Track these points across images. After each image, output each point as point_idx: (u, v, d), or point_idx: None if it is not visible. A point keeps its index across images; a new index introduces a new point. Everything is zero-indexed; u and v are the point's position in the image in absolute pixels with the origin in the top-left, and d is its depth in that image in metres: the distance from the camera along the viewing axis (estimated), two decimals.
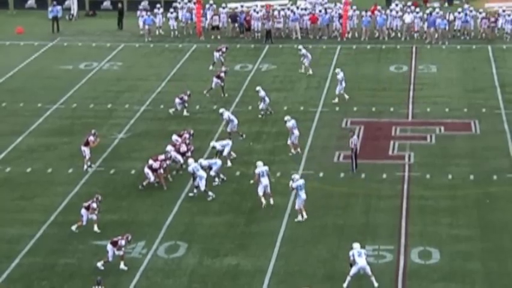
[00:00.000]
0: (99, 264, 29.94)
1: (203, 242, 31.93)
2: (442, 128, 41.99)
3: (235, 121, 40.48)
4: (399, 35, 57.15)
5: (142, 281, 29.53)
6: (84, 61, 53.79)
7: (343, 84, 45.31)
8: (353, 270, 28.71)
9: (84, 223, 32.42)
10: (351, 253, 28.99)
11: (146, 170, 35.98)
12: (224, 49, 51.36)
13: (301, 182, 33.48)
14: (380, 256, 30.79)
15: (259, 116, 43.36)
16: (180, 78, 50.31)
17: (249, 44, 56.80)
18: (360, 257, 28.93)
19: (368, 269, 28.74)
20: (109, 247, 29.97)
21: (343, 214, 34.07)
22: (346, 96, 45.35)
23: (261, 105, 43.32)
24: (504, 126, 42.22)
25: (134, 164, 38.16)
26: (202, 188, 35.09)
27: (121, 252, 29.87)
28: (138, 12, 59.77)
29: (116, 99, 46.63)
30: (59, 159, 39.19)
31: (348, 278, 28.65)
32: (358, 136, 39.75)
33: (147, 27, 58.02)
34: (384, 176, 37.19)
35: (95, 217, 32.51)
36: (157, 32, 58.70)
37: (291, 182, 33.54)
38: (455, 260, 30.56)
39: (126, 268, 29.90)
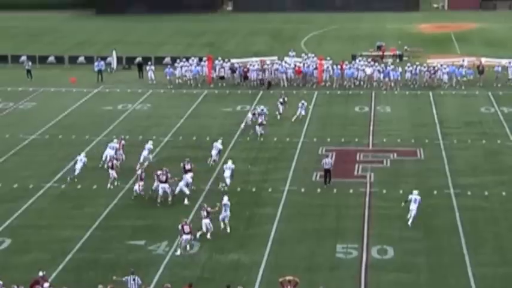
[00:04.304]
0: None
1: (212, 242, 31.87)
2: (395, 154, 41.98)
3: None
4: (362, 83, 57.24)
5: (166, 272, 29.52)
6: (122, 103, 53.81)
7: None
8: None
9: (204, 229, 32.16)
10: (410, 197, 32.92)
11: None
12: (285, 98, 50.32)
13: (226, 199, 32.91)
14: (348, 253, 30.77)
15: None
16: (195, 116, 50.36)
17: (247, 90, 56.86)
18: (414, 203, 32.80)
19: (414, 213, 32.53)
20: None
21: (320, 220, 34.03)
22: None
23: None
24: (442, 153, 42.24)
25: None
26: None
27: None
28: (148, 67, 59.60)
29: (145, 132, 46.62)
30: (102, 178, 39.04)
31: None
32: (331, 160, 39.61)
33: (168, 77, 58.10)
34: (351, 191, 37.15)
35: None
36: (177, 81, 58.67)
37: (221, 202, 32.97)
38: (405, 255, 30.58)
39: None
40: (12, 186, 38.66)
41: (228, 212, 32.86)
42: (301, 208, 35.27)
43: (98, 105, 53.48)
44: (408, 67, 57.29)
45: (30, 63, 62.50)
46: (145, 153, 40.60)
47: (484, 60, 59.51)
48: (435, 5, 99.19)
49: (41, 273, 27.27)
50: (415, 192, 33.18)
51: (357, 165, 40.46)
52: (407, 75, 56.89)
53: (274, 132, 45.92)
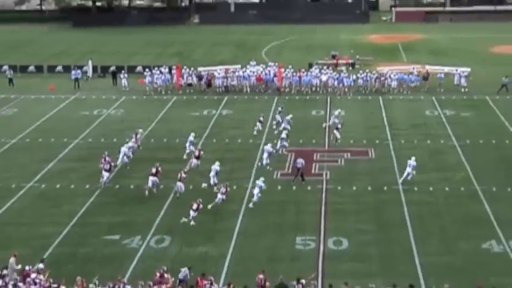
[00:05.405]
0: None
1: (182, 236, 31.77)
2: (349, 154, 42.13)
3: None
4: (318, 89, 57.36)
5: (139, 264, 29.33)
6: (97, 108, 53.33)
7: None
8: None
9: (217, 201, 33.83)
10: (408, 162, 36.65)
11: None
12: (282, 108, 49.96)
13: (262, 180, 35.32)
14: (307, 244, 30.85)
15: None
16: (165, 120, 50.06)
17: (213, 96, 56.68)
18: (409, 167, 36.65)
19: (405, 175, 36.72)
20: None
21: (281, 215, 34.04)
22: None
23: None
24: (391, 152, 42.47)
25: (133, 181, 37.89)
26: None
27: None
28: (121, 75, 59.42)
29: (119, 135, 46.23)
30: (79, 178, 38.81)
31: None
32: (290, 161, 39.66)
33: (148, 84, 57.63)
34: (309, 188, 37.21)
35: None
36: (147, 88, 58.15)
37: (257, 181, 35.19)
38: (358, 246, 30.72)
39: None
40: None
41: (257, 190, 34.73)
42: (263, 204, 35.20)
43: (75, 111, 52.92)
44: (360, 74, 57.57)
45: (11, 72, 61.74)
46: (187, 144, 41.29)
47: (428, 67, 60.05)
48: (384, 18, 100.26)
49: (27, 268, 27.21)
50: (413, 158, 36.85)
51: (314, 164, 40.51)
52: (360, 81, 57.08)
53: (238, 135, 45.91)
